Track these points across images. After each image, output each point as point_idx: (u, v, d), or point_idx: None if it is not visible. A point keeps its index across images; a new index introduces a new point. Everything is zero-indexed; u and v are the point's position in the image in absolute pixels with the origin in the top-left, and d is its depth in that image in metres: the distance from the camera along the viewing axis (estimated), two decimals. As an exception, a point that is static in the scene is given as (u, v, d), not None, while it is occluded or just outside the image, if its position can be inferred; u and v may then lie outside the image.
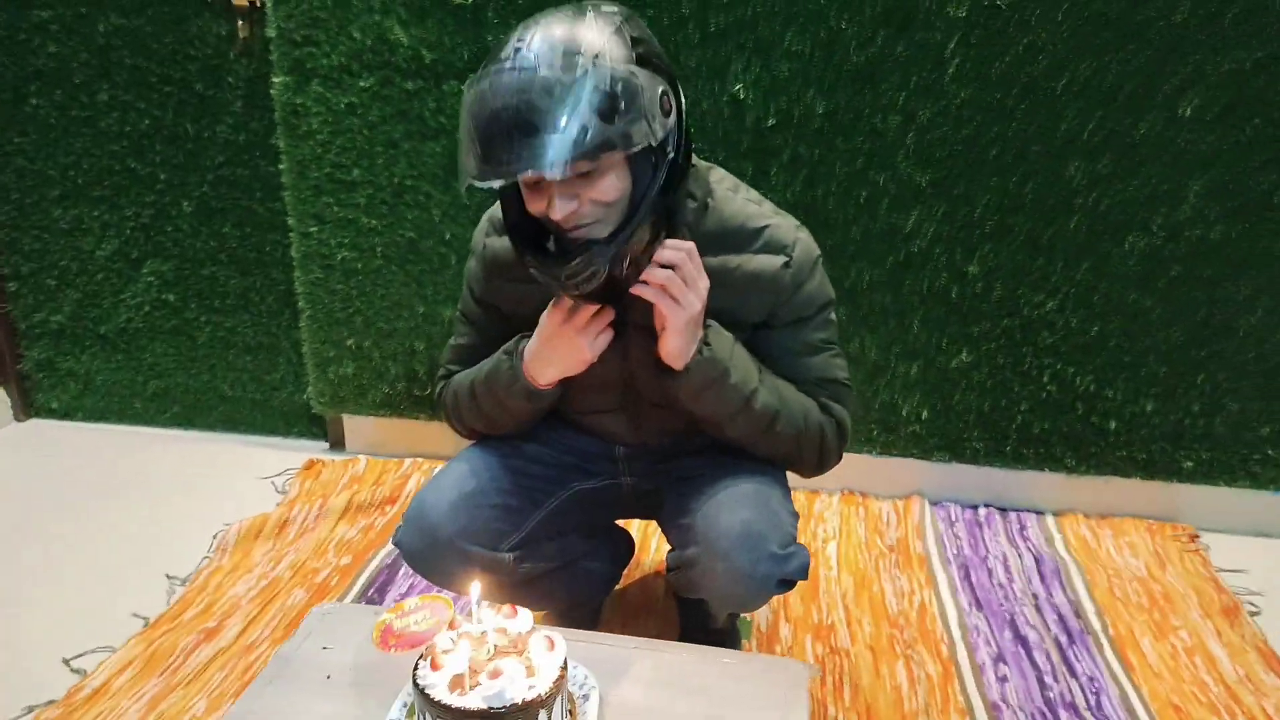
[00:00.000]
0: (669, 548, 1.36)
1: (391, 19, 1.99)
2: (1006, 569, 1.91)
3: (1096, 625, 1.74)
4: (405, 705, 1.05)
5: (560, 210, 1.08)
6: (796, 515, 1.29)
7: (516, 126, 1.00)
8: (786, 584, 1.23)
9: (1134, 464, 2.07)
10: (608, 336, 1.21)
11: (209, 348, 2.44)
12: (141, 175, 2.29)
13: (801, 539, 1.96)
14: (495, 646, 1.01)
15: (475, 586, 1.04)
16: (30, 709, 1.51)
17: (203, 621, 1.72)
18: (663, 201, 1.13)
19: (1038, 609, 1.78)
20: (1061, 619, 1.75)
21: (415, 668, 0.99)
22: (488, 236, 1.33)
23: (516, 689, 0.95)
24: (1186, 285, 1.94)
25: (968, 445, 2.12)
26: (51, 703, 1.52)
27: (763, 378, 1.24)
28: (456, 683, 0.97)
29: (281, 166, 2.15)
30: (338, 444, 2.42)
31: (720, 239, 1.23)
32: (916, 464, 2.16)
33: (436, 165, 2.08)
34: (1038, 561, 1.92)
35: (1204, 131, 1.84)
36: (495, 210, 1.31)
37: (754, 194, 1.31)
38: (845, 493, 2.19)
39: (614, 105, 1.02)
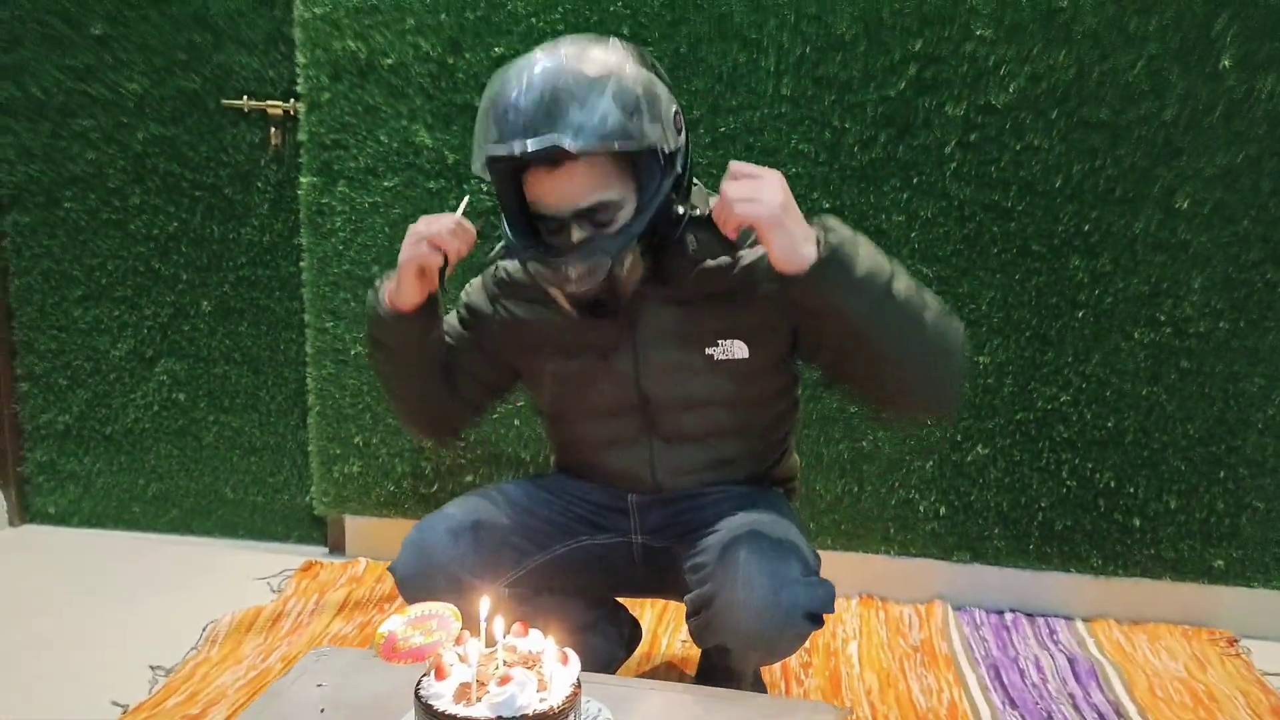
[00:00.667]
0: (686, 610, 1.29)
1: (418, 124, 2.09)
2: (1039, 669, 1.80)
3: (1139, 724, 1.62)
4: (404, 733, 0.96)
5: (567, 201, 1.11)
6: (818, 556, 1.24)
7: (551, 100, 1.05)
8: (813, 620, 1.16)
9: (1162, 563, 2.00)
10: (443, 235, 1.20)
11: (214, 448, 2.41)
12: (164, 275, 2.35)
13: (819, 640, 1.88)
14: (505, 662, 0.94)
15: (485, 601, 0.98)
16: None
17: (185, 709, 1.61)
18: (666, 215, 1.15)
19: (1075, 708, 1.67)
20: (1102, 717, 1.64)
21: (418, 683, 0.92)
22: (501, 261, 1.36)
23: (528, 697, 0.88)
24: (1198, 379, 1.95)
25: (989, 544, 2.05)
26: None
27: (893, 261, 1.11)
28: (463, 693, 0.90)
29: (303, 264, 2.20)
30: (337, 548, 2.35)
31: (713, 242, 1.23)
32: (936, 565, 2.09)
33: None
34: (1071, 662, 1.82)
35: (1200, 229, 1.90)
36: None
37: None
38: (863, 596, 2.11)
39: (636, 104, 1.07)
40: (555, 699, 0.90)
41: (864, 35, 1.92)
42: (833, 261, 1.04)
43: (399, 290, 1.25)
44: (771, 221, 1.05)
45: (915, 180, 1.96)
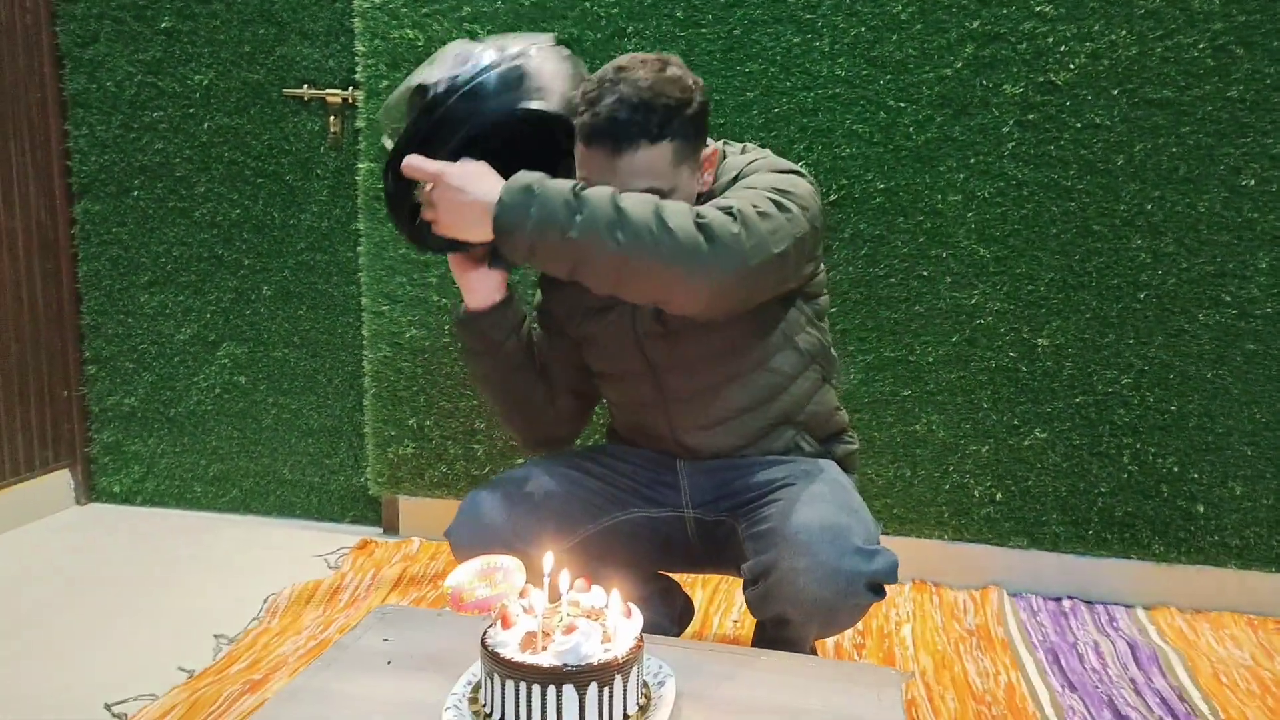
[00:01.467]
0: (744, 581, 1.29)
1: (474, 109, 2.12)
2: (1099, 654, 1.77)
3: (1204, 709, 1.59)
4: (470, 683, 0.98)
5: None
6: (879, 522, 1.23)
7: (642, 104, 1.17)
8: (876, 590, 1.16)
9: (1228, 551, 1.95)
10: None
11: (273, 430, 2.46)
12: (227, 261, 2.41)
13: (873, 623, 1.87)
14: (569, 614, 0.95)
15: (548, 557, 1.00)
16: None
17: (248, 674, 1.65)
18: None
19: (1137, 693, 1.64)
20: (1165, 702, 1.61)
21: (484, 633, 0.94)
22: None
23: (592, 647, 0.89)
24: (1265, 363, 1.90)
25: (1046, 530, 2.02)
26: (90, 742, 1.45)
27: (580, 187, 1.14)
28: (528, 642, 0.91)
29: (360, 249, 2.25)
30: (392, 528, 2.39)
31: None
32: (992, 550, 2.06)
33: (508, 245, 2.16)
34: (1132, 648, 1.79)
35: (1267, 208, 1.86)
36: None
37: (759, 151, 1.39)
38: (917, 581, 2.09)
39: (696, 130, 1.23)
40: (619, 650, 0.91)
41: (920, 15, 1.92)
42: (501, 234, 1.12)
43: (464, 290, 1.35)
44: (447, 227, 1.18)
45: (972, 160, 1.94)
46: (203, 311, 2.45)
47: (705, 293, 1.13)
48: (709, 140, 1.29)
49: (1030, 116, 1.91)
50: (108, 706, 1.55)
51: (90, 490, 2.59)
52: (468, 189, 1.13)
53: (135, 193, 2.42)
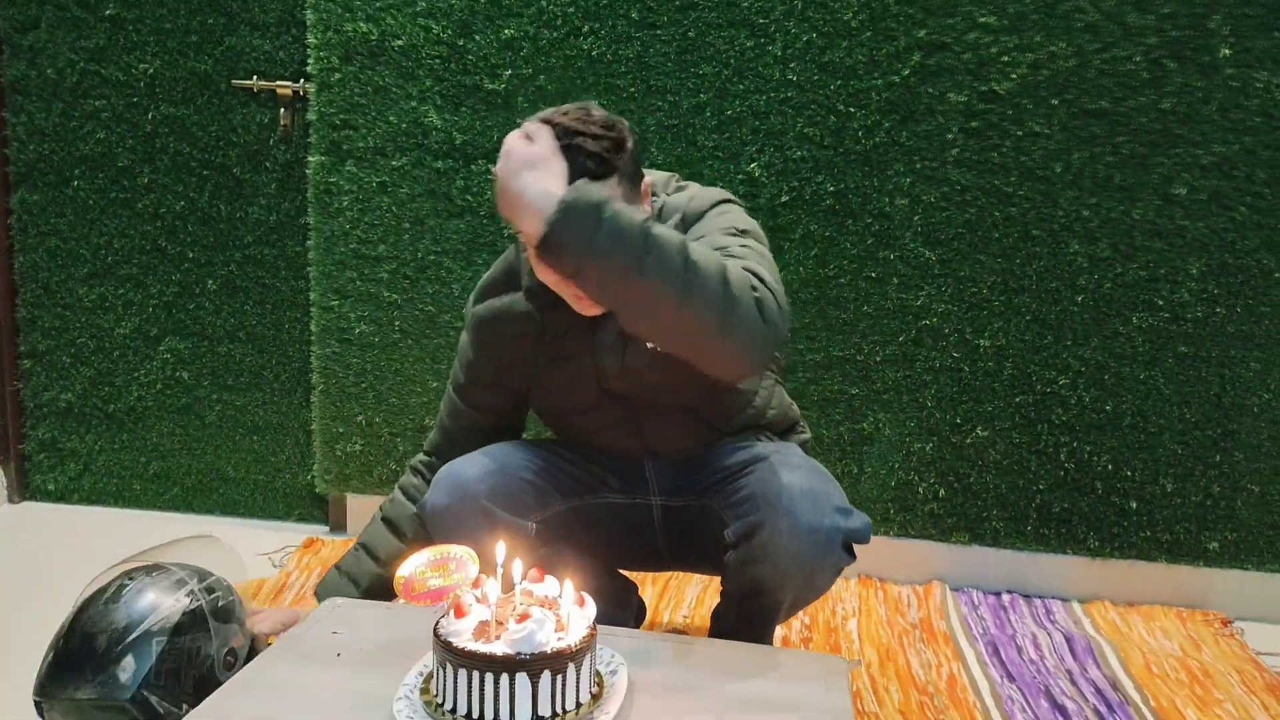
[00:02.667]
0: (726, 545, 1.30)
1: (428, 105, 2.11)
2: (1036, 646, 1.83)
3: (1136, 697, 1.64)
4: (421, 674, 0.98)
5: None
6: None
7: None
8: (849, 551, 1.20)
9: (1158, 546, 2.02)
10: None
11: (217, 427, 2.42)
12: (171, 254, 2.36)
13: (819, 617, 1.90)
14: (523, 604, 0.96)
15: (500, 546, 1.00)
16: (-2, 751, 1.39)
17: (190, 674, 1.61)
18: None
19: (1073, 683, 1.69)
20: (1099, 691, 1.66)
21: (436, 623, 0.94)
22: (471, 308, 1.46)
23: (546, 635, 0.90)
24: (1195, 364, 1.98)
25: (987, 526, 2.08)
26: (22, 746, 1.41)
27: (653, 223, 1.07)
28: (482, 631, 0.92)
29: (309, 243, 2.22)
30: (339, 526, 2.36)
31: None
32: (935, 546, 2.11)
33: (460, 241, 2.16)
34: (1069, 640, 1.84)
35: (1197, 216, 1.94)
36: (479, 283, 1.46)
37: (697, 189, 1.41)
38: (862, 577, 2.12)
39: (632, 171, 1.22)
40: (573, 638, 0.92)
41: (869, 23, 1.96)
42: (552, 243, 1.02)
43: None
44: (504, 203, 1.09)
45: (918, 165, 1.99)
46: (144, 305, 2.39)
47: (747, 365, 1.15)
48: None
49: (973, 124, 1.96)
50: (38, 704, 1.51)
51: (24, 488, 2.51)
52: (524, 180, 1.05)
53: (75, 183, 2.36)
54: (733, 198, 1.37)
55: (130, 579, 1.34)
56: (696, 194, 1.35)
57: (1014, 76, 1.93)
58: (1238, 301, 1.94)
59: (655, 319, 1.07)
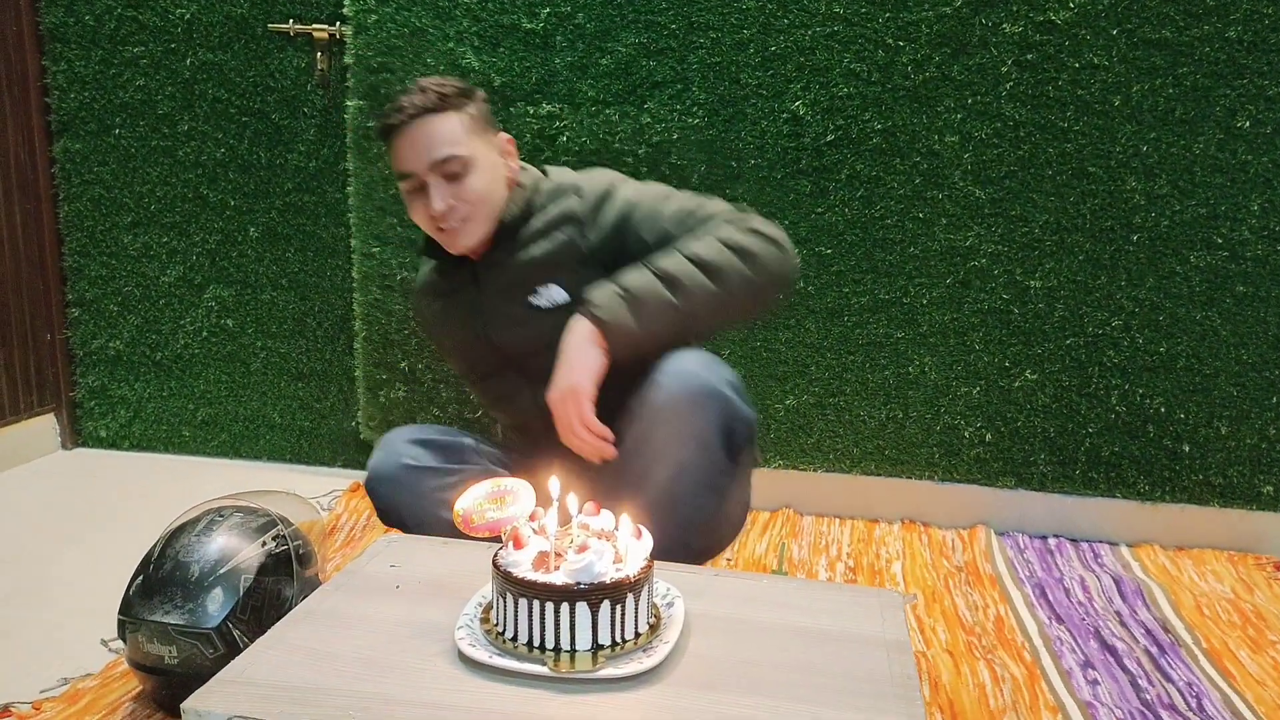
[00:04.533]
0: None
1: (465, 46, 2.08)
2: (1085, 589, 1.81)
3: (1188, 639, 1.63)
4: (480, 604, 0.99)
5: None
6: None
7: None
8: (731, 437, 1.24)
9: (1210, 489, 1.99)
10: None
11: (262, 374, 2.44)
12: (212, 202, 2.37)
13: (863, 560, 1.90)
14: (581, 536, 0.96)
15: (554, 481, 1.00)
16: (66, 680, 1.44)
17: (246, 611, 1.65)
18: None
19: (1123, 624, 1.68)
20: (1149, 633, 1.64)
21: (495, 555, 0.94)
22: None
23: (604, 566, 0.90)
24: (1254, 304, 1.92)
25: (1034, 470, 2.05)
26: (89, 675, 1.45)
27: (653, 261, 1.29)
28: (541, 561, 0.92)
29: (349, 189, 2.21)
30: (384, 471, 2.38)
31: (541, 206, 1.43)
32: (980, 491, 2.09)
33: (500, 186, 2.13)
34: (1117, 583, 1.82)
35: (1261, 150, 1.87)
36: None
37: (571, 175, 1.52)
38: (906, 521, 2.11)
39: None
40: (631, 569, 0.92)
41: (920, -49, 1.89)
42: (614, 338, 1.24)
43: None
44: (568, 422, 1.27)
45: (970, 101, 1.93)
46: (188, 253, 2.41)
47: (790, 283, 1.34)
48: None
49: (1029, 56, 1.90)
50: (104, 643, 1.55)
51: (76, 435, 2.56)
52: (577, 368, 1.24)
53: (116, 131, 2.37)
54: (613, 173, 1.46)
55: (221, 515, 1.37)
56: (585, 186, 1.42)
57: (1072, 5, 1.86)
58: (1301, 239, 1.88)
59: (722, 317, 1.32)
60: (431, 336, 1.61)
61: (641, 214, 1.37)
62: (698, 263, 1.24)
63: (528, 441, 1.51)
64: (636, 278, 1.25)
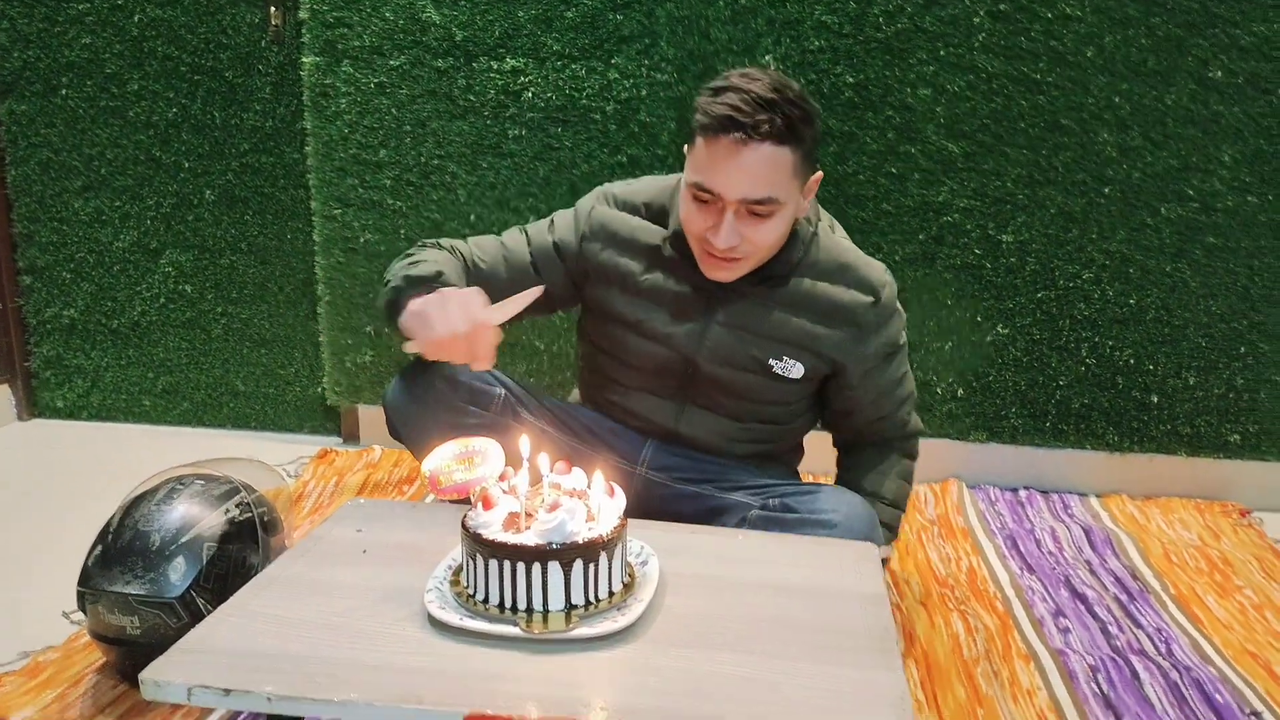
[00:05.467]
0: None
1: (425, -2, 2.02)
2: (1055, 539, 1.82)
3: (1156, 585, 1.65)
4: (450, 568, 0.96)
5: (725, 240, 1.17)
6: None
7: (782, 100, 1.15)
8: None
9: (1179, 439, 2.01)
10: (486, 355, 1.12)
11: (223, 341, 2.39)
12: (166, 164, 2.29)
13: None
14: (552, 496, 0.93)
15: (524, 440, 0.98)
16: (26, 654, 1.40)
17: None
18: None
19: (1092, 573, 1.69)
20: (1119, 580, 1.66)
21: (464, 516, 0.92)
22: (598, 205, 1.36)
23: (577, 525, 0.88)
24: (1224, 256, 1.93)
25: (1005, 424, 2.06)
26: (50, 648, 1.42)
27: (885, 495, 1.41)
28: (511, 522, 0.90)
29: (308, 149, 2.15)
30: (351, 437, 2.35)
31: (820, 268, 1.29)
32: (952, 445, 2.09)
33: (464, 145, 2.08)
34: (1087, 533, 1.84)
35: (1233, 101, 1.86)
36: (613, 189, 1.37)
37: (844, 233, 1.39)
38: (879, 478, 2.11)
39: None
40: (604, 528, 0.90)
41: (890, -103, 1.85)
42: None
43: (414, 321, 1.15)
44: None
45: (943, 53, 1.90)
46: (142, 218, 2.33)
47: None
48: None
49: (1001, 7, 1.87)
50: (65, 615, 1.52)
51: (32, 406, 2.49)
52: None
53: (63, 91, 2.27)
54: (892, 281, 1.36)
55: (182, 484, 1.33)
56: (884, 297, 1.32)
57: (1043, -47, 1.83)
58: (1270, 189, 1.88)
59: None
60: (584, 287, 1.35)
61: (888, 374, 1.36)
62: (901, 504, 1.44)
63: (604, 407, 1.42)
64: (885, 511, 1.39)
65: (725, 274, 1.22)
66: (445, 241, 1.36)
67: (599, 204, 1.35)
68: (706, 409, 1.34)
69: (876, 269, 1.33)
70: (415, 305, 1.13)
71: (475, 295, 1.12)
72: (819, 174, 1.23)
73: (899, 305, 1.35)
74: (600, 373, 1.41)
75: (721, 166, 1.13)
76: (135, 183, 2.31)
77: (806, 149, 1.16)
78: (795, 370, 1.29)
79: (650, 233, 1.31)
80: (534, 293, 1.16)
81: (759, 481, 1.35)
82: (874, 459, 1.42)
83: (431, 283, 1.19)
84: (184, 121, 2.26)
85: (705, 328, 1.29)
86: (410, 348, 1.14)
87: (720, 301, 1.28)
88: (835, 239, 1.34)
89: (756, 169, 1.13)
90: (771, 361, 1.29)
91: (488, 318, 1.09)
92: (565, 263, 1.34)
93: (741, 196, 1.14)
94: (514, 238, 1.38)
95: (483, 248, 1.36)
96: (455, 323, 1.07)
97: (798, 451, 1.52)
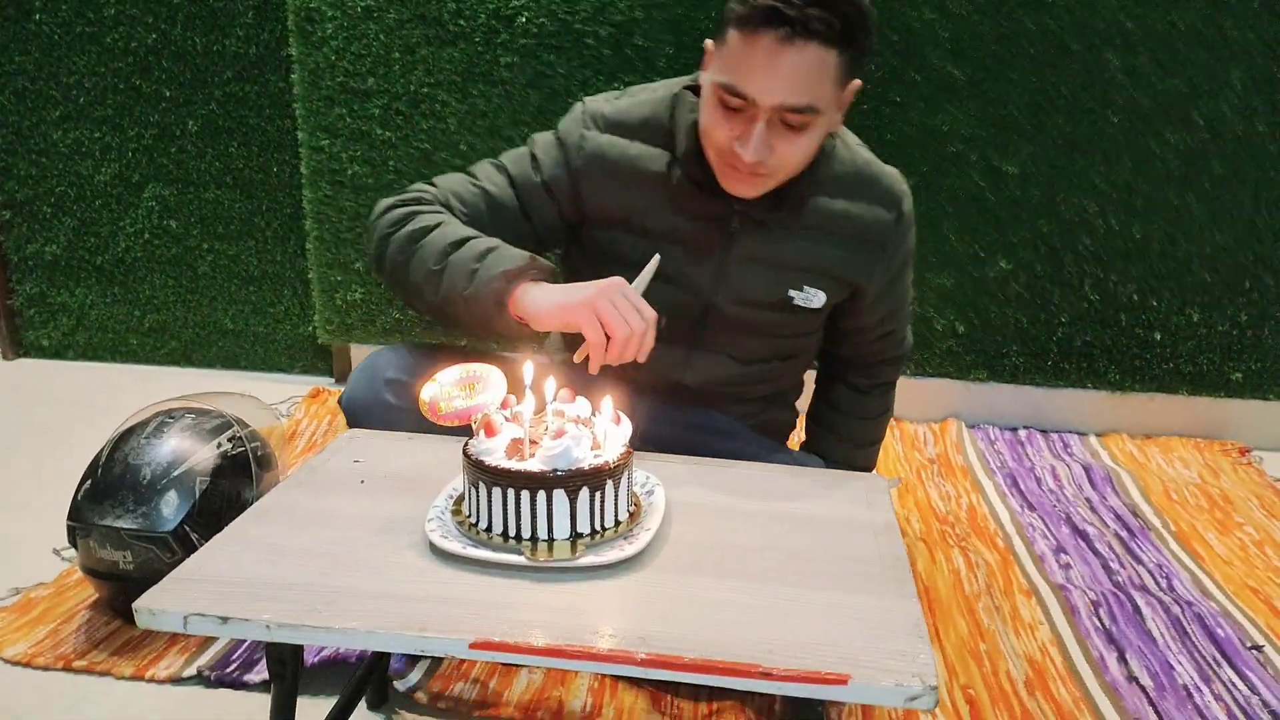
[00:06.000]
0: None
1: (412, -83, 1.93)
2: (1055, 477, 1.82)
3: (1156, 522, 1.64)
4: (451, 497, 0.94)
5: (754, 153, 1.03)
6: None
7: None
8: None
9: (1180, 378, 1.99)
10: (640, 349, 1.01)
11: (210, 278, 2.34)
12: (146, 93, 2.22)
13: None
14: (556, 423, 0.90)
15: (528, 366, 0.94)
16: (18, 590, 1.38)
17: (205, 517, 1.59)
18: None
19: (1093, 510, 1.69)
20: (1119, 518, 1.66)
21: (465, 444, 0.89)
22: (588, 131, 1.18)
23: (582, 452, 0.85)
24: (1231, 185, 1.89)
25: (1006, 363, 2.04)
26: (41, 584, 1.40)
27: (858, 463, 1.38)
28: (515, 449, 0.87)
29: (293, 78, 2.08)
30: (343, 377, 2.32)
31: (840, 182, 1.17)
32: (952, 384, 2.08)
33: (455, 72, 2.02)
34: (1087, 470, 1.83)
35: (1245, 21, 1.81)
36: (600, 107, 1.19)
37: (855, 139, 1.24)
38: (878, 415, 2.10)
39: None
40: (610, 455, 0.87)
41: None
42: None
43: (538, 301, 1.03)
44: None
45: (948, -26, 1.84)
46: (123, 150, 2.26)
47: None
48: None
49: (1011, -75, 1.80)
50: (56, 552, 1.49)
51: (17, 345, 2.45)
52: None
53: (36, 16, 2.19)
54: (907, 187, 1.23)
55: (172, 417, 1.30)
56: (905, 207, 1.21)
57: None
58: (1280, 117, 1.84)
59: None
60: (581, 201, 1.18)
61: (901, 287, 1.27)
62: (878, 441, 1.43)
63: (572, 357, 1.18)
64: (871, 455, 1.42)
65: (749, 189, 1.08)
66: (413, 192, 1.17)
67: (588, 129, 1.18)
68: (717, 353, 1.23)
69: (895, 178, 1.21)
70: (555, 298, 1.00)
71: (621, 283, 1.00)
72: (858, 83, 1.07)
73: (912, 212, 1.24)
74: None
75: (760, 67, 0.98)
76: (115, 113, 2.24)
77: (856, 53, 1.01)
78: (817, 300, 1.19)
79: (654, 158, 1.15)
80: (655, 263, 1.06)
81: (754, 452, 1.24)
82: (848, 413, 1.38)
83: (517, 262, 1.04)
84: (164, 48, 2.18)
85: (724, 265, 1.16)
86: (581, 356, 1.01)
87: (739, 233, 1.15)
88: (852, 148, 1.20)
89: (800, 72, 0.98)
90: (792, 294, 1.18)
91: (651, 311, 1.00)
92: (559, 203, 1.18)
93: (779, 103, 0.99)
94: (491, 175, 1.20)
95: (458, 194, 1.18)
96: (633, 320, 0.98)
97: (799, 388, 1.44)
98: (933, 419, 2.10)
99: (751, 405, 1.32)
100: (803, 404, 1.43)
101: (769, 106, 1.00)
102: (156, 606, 0.75)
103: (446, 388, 0.93)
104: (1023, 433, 2.04)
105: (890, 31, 1.88)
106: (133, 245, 2.33)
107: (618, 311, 0.98)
